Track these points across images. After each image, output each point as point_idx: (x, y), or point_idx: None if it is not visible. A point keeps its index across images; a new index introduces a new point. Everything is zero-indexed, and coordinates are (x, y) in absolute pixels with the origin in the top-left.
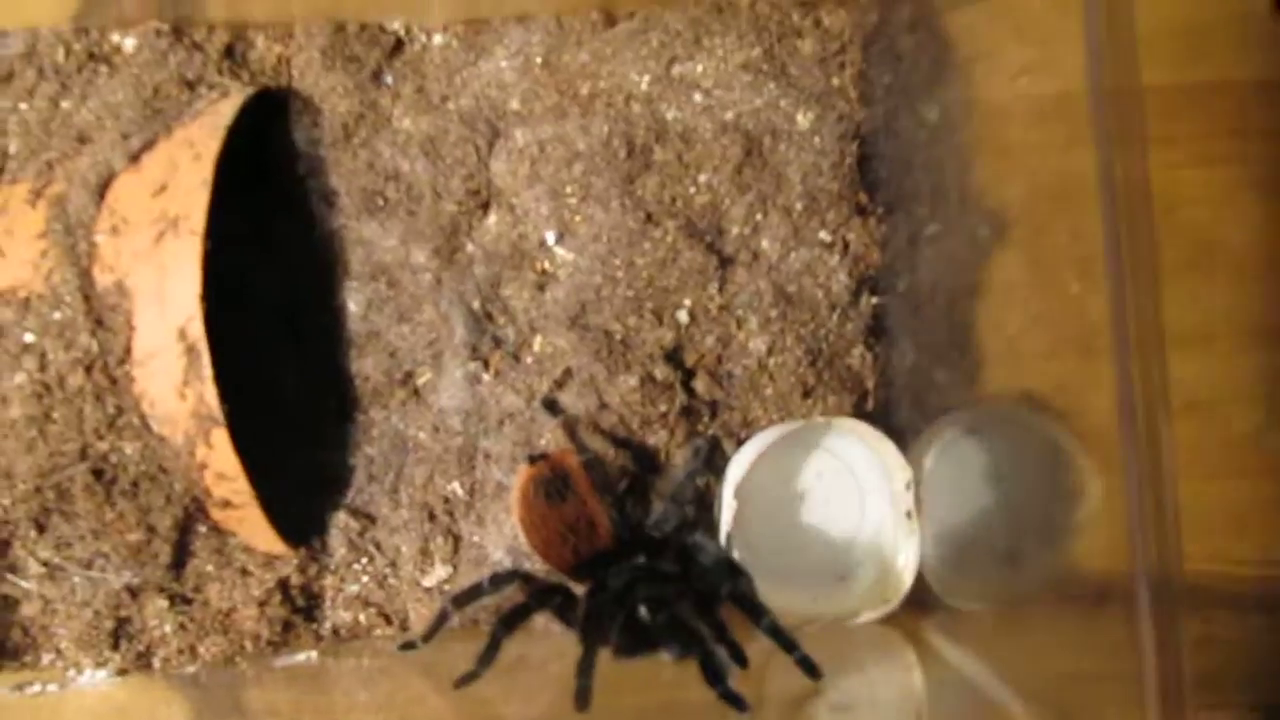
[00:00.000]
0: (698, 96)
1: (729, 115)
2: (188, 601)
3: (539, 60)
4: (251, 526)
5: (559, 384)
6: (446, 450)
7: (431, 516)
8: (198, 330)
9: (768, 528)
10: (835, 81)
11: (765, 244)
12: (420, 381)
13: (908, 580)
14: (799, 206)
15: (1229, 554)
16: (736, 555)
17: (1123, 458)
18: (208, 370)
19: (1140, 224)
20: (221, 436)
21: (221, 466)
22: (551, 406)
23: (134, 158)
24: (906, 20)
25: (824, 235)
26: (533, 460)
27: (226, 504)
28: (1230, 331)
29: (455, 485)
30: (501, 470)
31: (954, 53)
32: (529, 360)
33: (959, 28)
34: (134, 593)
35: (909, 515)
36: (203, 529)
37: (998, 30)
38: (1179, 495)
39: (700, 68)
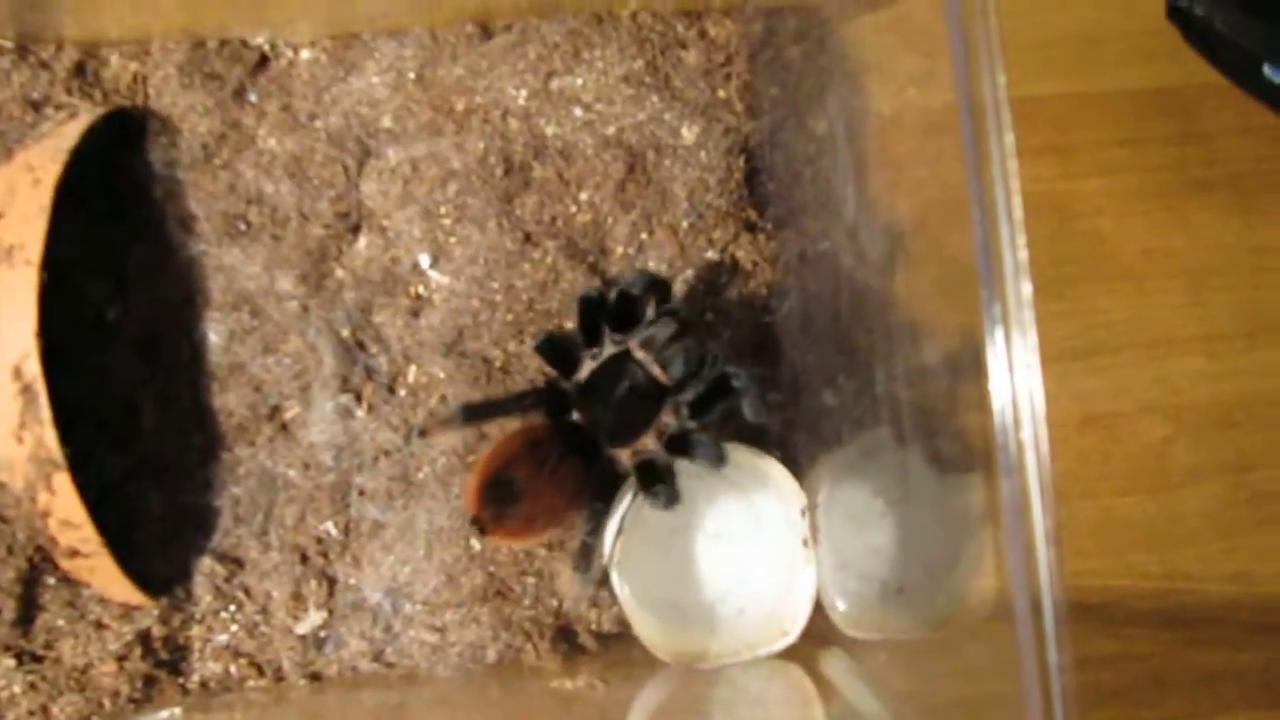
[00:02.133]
0: (578, 111)
1: (611, 130)
2: (38, 659)
3: (412, 75)
4: (104, 576)
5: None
6: (318, 488)
7: (304, 559)
8: (34, 369)
9: (659, 559)
10: (721, 94)
11: (651, 263)
12: (288, 416)
13: (805, 610)
14: (685, 224)
15: (1139, 569)
16: (622, 589)
17: (1002, 476)
18: (45, 412)
19: (1015, 238)
20: (64, 481)
21: (66, 513)
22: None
23: None
24: (793, 31)
25: (711, 254)
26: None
27: (75, 553)
28: (1133, 342)
29: (329, 525)
30: (378, 508)
31: (843, 64)
32: (403, 392)
33: (848, 39)
34: None
35: (805, 543)
36: (51, 580)
37: (886, 41)
38: (1075, 512)
39: (580, 81)
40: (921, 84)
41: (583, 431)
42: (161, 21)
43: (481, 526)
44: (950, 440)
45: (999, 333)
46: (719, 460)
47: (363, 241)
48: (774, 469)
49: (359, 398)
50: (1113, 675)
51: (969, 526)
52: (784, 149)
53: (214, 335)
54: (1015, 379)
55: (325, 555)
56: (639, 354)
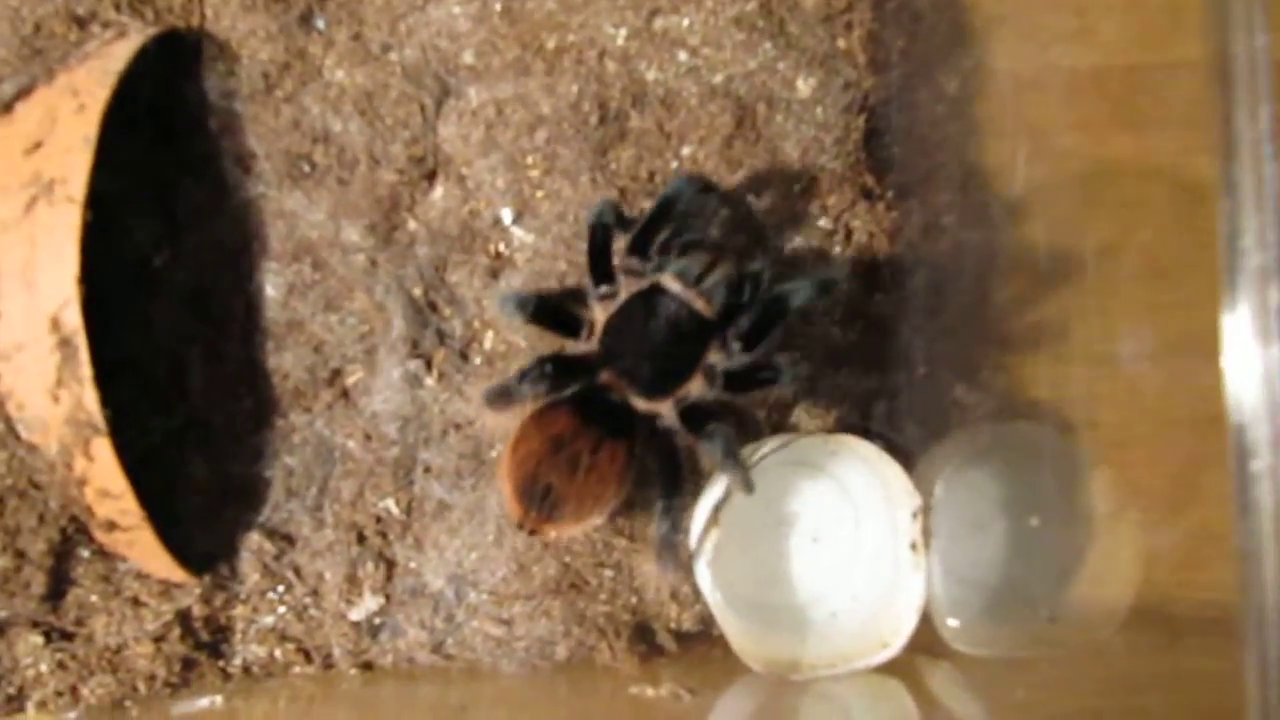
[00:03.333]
0: (683, 55)
1: (718, 78)
2: (68, 637)
3: (498, 6)
4: (144, 550)
5: None
6: (380, 462)
7: (360, 538)
8: (74, 320)
9: (748, 557)
10: (841, 44)
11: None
12: (350, 381)
13: (910, 622)
14: (796, 187)
15: None
16: (712, 593)
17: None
18: (86, 369)
19: (1265, 232)
20: (103, 447)
21: (104, 482)
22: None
23: (6, 107)
24: None
25: (824, 222)
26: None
27: (112, 525)
28: None
29: (389, 503)
30: (444, 486)
31: (978, 14)
32: (478, 360)
33: None
34: (1, 628)
35: (914, 548)
36: (85, 553)
37: None
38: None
39: (686, 21)
40: (1068, 42)
41: (609, 396)
42: None
43: (530, 530)
44: (1079, 434)
45: (1241, 326)
46: (796, 378)
47: (439, 191)
48: (883, 463)
49: (429, 364)
50: None
51: (1115, 531)
52: (911, 109)
53: (271, 288)
54: (1258, 376)
55: (384, 535)
56: (673, 286)
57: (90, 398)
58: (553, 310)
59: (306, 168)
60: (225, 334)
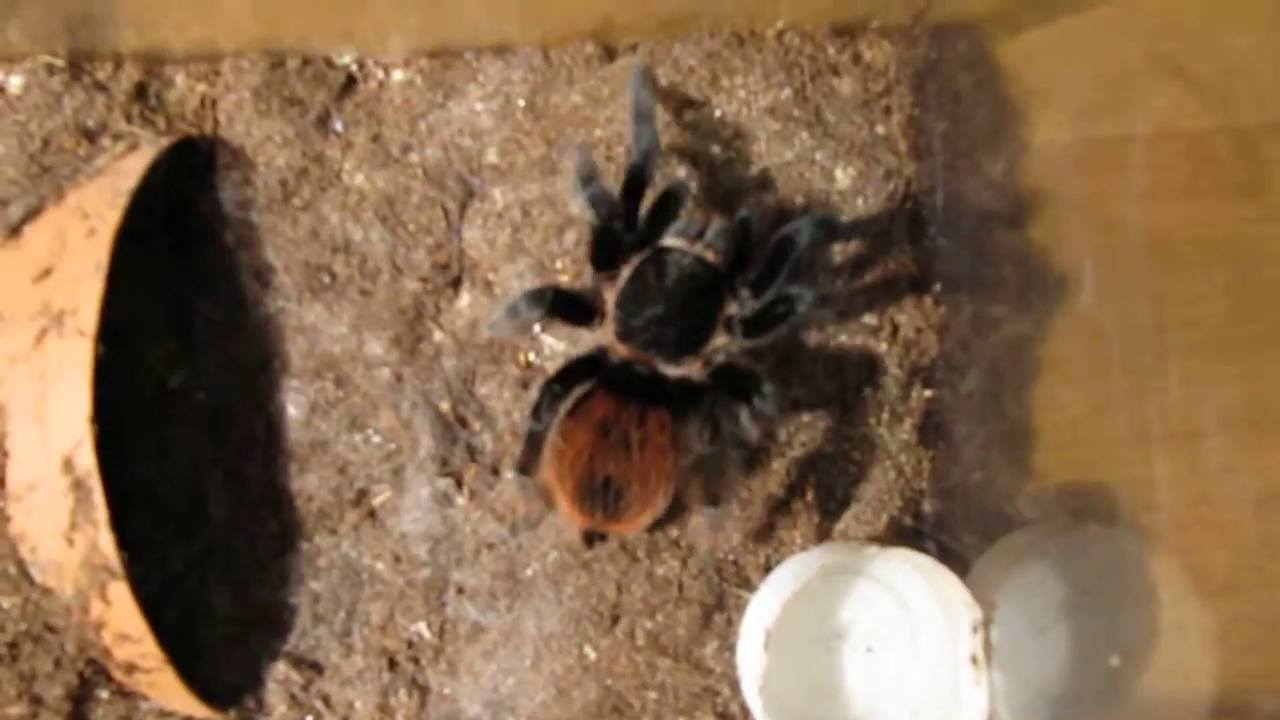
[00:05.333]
0: (715, 148)
1: (753, 171)
2: None
3: (521, 102)
4: (166, 690)
5: None
6: (410, 585)
7: (392, 664)
8: (88, 461)
9: (800, 672)
10: (880, 130)
11: (801, 332)
12: (377, 502)
13: None
14: (838, 283)
15: None
16: (763, 716)
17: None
18: (101, 512)
19: None
20: (121, 591)
21: (123, 626)
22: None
23: (13, 230)
24: (963, 55)
25: (869, 318)
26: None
27: (132, 668)
28: None
29: (421, 626)
30: (478, 608)
31: (1019, 90)
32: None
33: (1018, 57)
34: None
35: (975, 662)
36: (104, 694)
37: (1063, 61)
38: (1251, 605)
39: (719, 113)
40: (1101, 113)
41: (643, 371)
42: (233, 34)
43: (594, 537)
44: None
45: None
46: (813, 302)
47: (465, 299)
48: (939, 574)
49: (459, 482)
50: None
51: (1184, 623)
52: (955, 196)
53: (293, 407)
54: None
55: (416, 661)
56: (678, 244)
57: (106, 540)
58: (571, 299)
59: (327, 279)
60: (246, 456)
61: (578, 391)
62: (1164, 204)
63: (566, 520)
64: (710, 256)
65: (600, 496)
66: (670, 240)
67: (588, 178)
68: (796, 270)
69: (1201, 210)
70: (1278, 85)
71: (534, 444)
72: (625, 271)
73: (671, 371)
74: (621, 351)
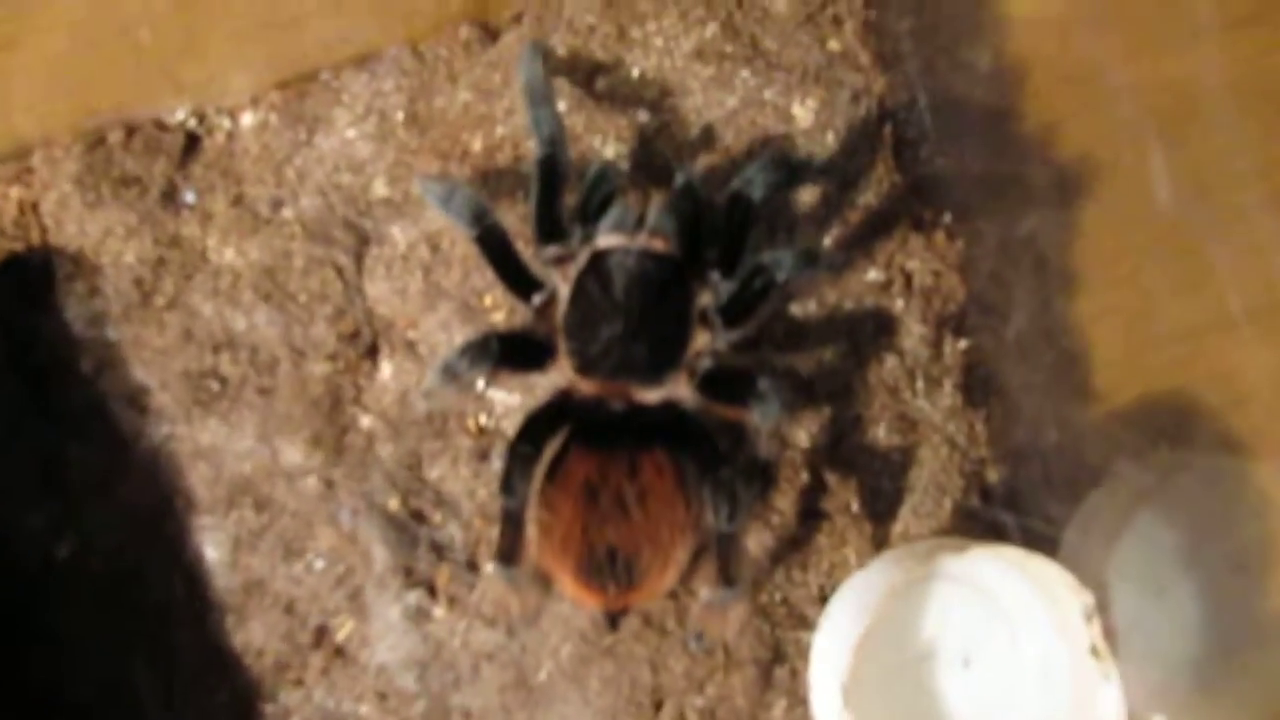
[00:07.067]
0: (644, 115)
1: (694, 131)
2: None
3: (400, 115)
4: None
5: None
6: None
7: None
8: None
9: (889, 699)
10: (834, 45)
11: (795, 310)
12: (340, 637)
13: None
14: (827, 240)
15: None
16: None
17: None
18: None
19: None
20: None
21: None
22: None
23: None
24: None
25: (874, 274)
26: None
27: None
28: None
29: None
30: None
31: None
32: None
33: None
34: None
35: (1096, 653)
36: None
37: None
38: None
39: (636, 71)
40: None
41: (611, 408)
42: (35, 119)
43: (617, 616)
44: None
45: None
46: (803, 264)
47: (386, 369)
48: (1032, 562)
49: (432, 591)
50: None
51: None
52: (941, 102)
53: (211, 549)
54: None
55: None
56: (616, 241)
57: None
58: (517, 342)
59: (215, 386)
60: (169, 623)
61: (551, 447)
62: (1183, 52)
63: (575, 604)
64: (659, 246)
65: (608, 570)
66: (607, 239)
67: (446, 198)
68: (770, 231)
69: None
70: None
71: (513, 524)
72: (563, 290)
73: (652, 396)
74: (587, 388)
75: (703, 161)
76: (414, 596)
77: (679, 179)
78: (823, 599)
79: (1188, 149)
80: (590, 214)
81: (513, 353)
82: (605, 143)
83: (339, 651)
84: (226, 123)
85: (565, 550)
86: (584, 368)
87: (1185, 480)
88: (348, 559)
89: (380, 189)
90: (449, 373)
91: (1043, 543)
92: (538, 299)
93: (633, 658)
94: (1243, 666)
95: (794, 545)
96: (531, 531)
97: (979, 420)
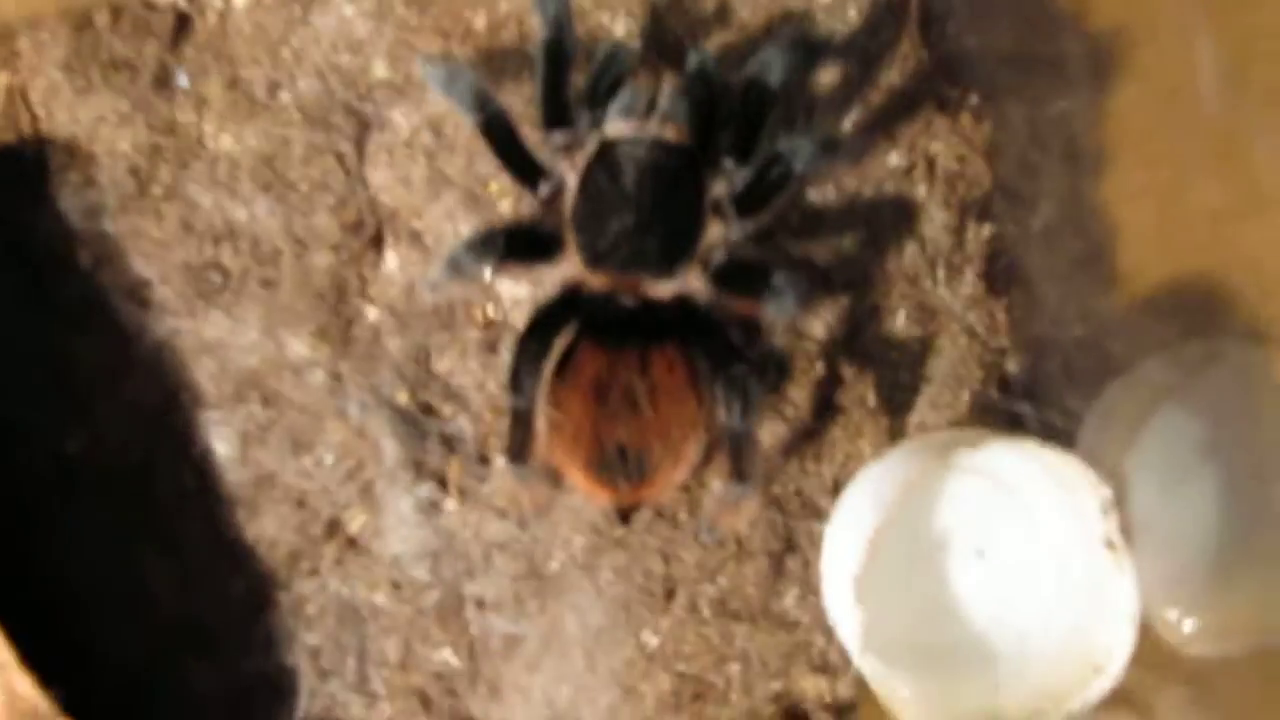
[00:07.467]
0: None
1: (709, 5)
2: None
3: None
4: None
5: None
6: (420, 611)
7: (425, 702)
8: None
9: (900, 600)
10: None
11: (812, 196)
12: (354, 529)
13: (1124, 635)
14: (848, 123)
15: None
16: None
17: None
18: (6, 653)
19: None
20: None
21: None
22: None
23: None
24: None
25: (896, 157)
26: None
27: None
28: None
29: (446, 653)
30: (506, 619)
31: None
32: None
33: None
34: None
35: (1111, 546)
36: None
37: None
38: None
39: None
40: None
41: (621, 303)
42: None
43: (628, 512)
44: None
45: None
46: (823, 154)
47: (392, 260)
48: (1049, 455)
49: (443, 484)
50: None
51: None
52: None
53: (220, 444)
54: None
55: (453, 691)
56: (625, 130)
57: (23, 685)
58: (524, 235)
59: (217, 279)
60: (181, 516)
61: (560, 343)
62: None
63: (587, 498)
64: (670, 135)
65: (619, 466)
66: (616, 126)
67: (448, 81)
68: (788, 111)
69: None
70: None
71: (522, 422)
72: (571, 180)
73: (664, 290)
74: (597, 282)
75: (717, 39)
76: (425, 489)
77: (692, 61)
78: (836, 489)
79: (1230, 26)
80: (599, 97)
81: (519, 246)
82: (614, 19)
83: (351, 543)
84: (218, 0)
85: (575, 447)
86: (593, 261)
87: (1211, 373)
88: (357, 453)
89: (380, 70)
90: (454, 267)
91: (1061, 434)
92: (544, 189)
93: (644, 548)
94: (1259, 560)
95: (808, 437)
96: (541, 428)
97: (1000, 309)
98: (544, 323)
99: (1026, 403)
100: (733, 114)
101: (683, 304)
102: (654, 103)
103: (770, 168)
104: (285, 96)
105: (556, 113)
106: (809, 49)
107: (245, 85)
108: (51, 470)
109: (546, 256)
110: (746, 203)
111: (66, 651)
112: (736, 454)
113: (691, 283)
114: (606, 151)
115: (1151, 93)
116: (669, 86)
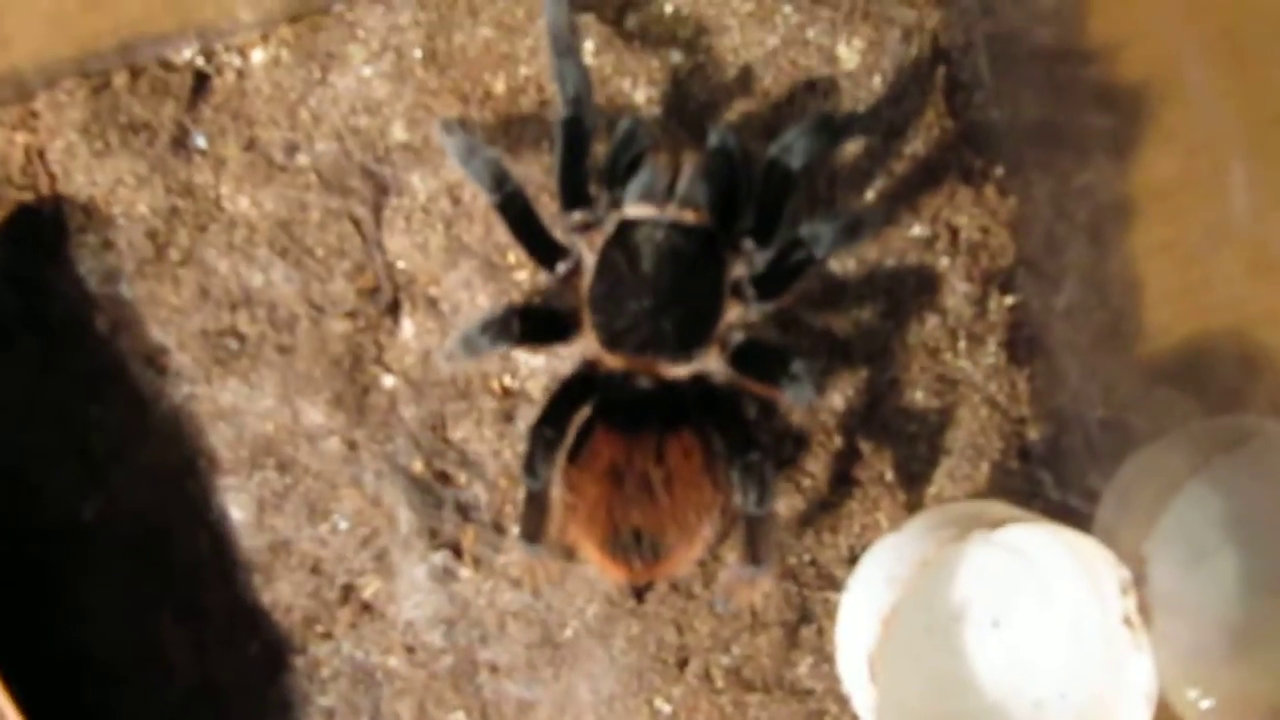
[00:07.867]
0: (676, 56)
1: (731, 74)
2: None
3: (418, 53)
4: None
5: None
6: (434, 675)
7: None
8: None
9: (914, 669)
10: None
11: (833, 267)
12: (367, 594)
13: (1143, 715)
14: (871, 192)
15: None
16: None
17: None
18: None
19: None
20: None
21: None
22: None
23: None
24: None
25: (917, 229)
26: None
27: None
28: None
29: (459, 716)
30: (519, 684)
31: None
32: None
33: None
34: None
35: (1128, 623)
36: None
37: None
38: None
39: (670, 9)
40: None
41: (637, 385)
42: (34, 60)
43: (643, 591)
44: None
45: None
46: (844, 238)
47: (408, 327)
48: (1068, 535)
49: (458, 552)
50: None
51: None
52: (1000, 43)
53: (236, 510)
54: None
55: None
56: (645, 212)
57: None
58: (540, 316)
59: (234, 345)
60: (196, 582)
61: (575, 420)
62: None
63: (601, 573)
64: (690, 217)
65: (634, 547)
66: (635, 208)
67: (466, 156)
68: (810, 184)
69: None
70: None
71: (536, 505)
72: (589, 260)
73: (681, 372)
74: (613, 362)
75: (739, 107)
76: (440, 557)
77: (713, 138)
78: (852, 560)
79: (1254, 87)
80: (618, 176)
81: (534, 327)
82: (635, 86)
83: (366, 608)
84: (236, 60)
85: (590, 528)
86: (610, 342)
87: (1234, 451)
88: (372, 521)
89: (398, 133)
90: (469, 346)
91: (1082, 507)
92: (562, 267)
93: (658, 618)
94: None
95: (824, 508)
96: (557, 509)
97: (1022, 378)
98: (559, 406)
99: (1046, 470)
100: (754, 195)
101: (699, 384)
102: (674, 185)
103: (791, 252)
104: (303, 159)
105: (575, 193)
106: (833, 131)
107: (263, 146)
108: (67, 535)
109: (562, 337)
110: (766, 286)
111: (82, 717)
112: (752, 537)
113: (709, 362)
114: (625, 233)
115: (1180, 171)
116: (689, 167)
